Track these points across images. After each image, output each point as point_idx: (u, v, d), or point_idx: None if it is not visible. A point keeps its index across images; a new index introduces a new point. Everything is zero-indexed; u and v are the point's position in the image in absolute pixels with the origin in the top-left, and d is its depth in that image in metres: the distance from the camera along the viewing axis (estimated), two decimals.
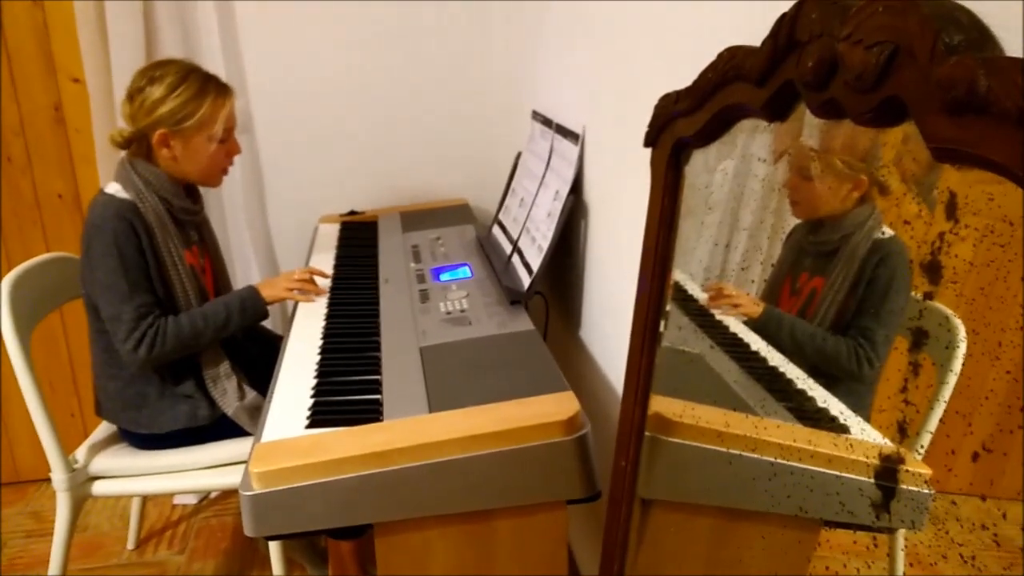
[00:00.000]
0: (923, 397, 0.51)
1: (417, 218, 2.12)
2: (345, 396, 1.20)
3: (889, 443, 0.63)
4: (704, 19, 0.98)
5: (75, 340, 2.26)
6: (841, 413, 0.79)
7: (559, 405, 1.09)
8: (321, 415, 1.14)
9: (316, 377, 1.28)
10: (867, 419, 0.75)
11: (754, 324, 0.93)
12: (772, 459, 0.88)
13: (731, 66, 0.74)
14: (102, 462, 1.60)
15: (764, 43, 0.67)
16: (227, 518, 2.19)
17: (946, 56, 0.46)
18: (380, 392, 1.20)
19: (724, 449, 0.96)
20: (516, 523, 1.09)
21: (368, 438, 1.05)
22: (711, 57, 0.91)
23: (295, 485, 1.01)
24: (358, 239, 2.02)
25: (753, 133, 0.77)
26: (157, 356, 1.49)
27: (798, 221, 0.86)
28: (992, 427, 0.48)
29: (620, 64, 1.28)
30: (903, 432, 0.52)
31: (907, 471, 0.64)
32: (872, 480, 0.67)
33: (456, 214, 2.13)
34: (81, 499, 1.59)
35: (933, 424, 0.58)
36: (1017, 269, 0.43)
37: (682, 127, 0.87)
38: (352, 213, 2.25)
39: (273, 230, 2.26)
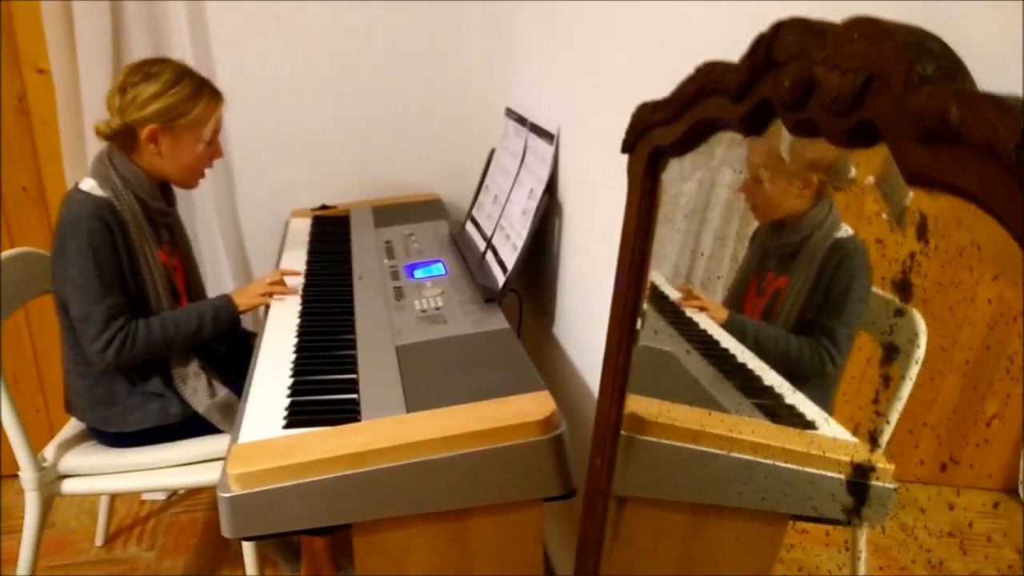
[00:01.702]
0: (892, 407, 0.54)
1: (389, 213, 2.12)
2: (322, 396, 1.21)
3: (855, 439, 0.66)
4: (679, 24, 1.00)
5: (40, 336, 2.22)
6: (807, 411, 0.82)
7: (535, 404, 1.11)
8: (298, 415, 1.15)
9: (292, 376, 1.28)
10: (830, 410, 0.78)
11: (723, 327, 0.95)
12: (744, 456, 0.91)
13: (709, 80, 0.75)
14: (71, 460, 1.59)
15: (742, 61, 0.69)
16: (197, 514, 2.18)
17: (920, 86, 0.48)
18: (357, 391, 1.21)
19: (698, 447, 0.98)
20: (493, 521, 1.11)
21: (347, 439, 1.06)
22: (685, 62, 0.92)
23: (274, 486, 1.02)
24: (330, 234, 2.01)
25: (730, 146, 0.79)
26: (125, 359, 1.49)
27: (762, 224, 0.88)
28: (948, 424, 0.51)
29: (595, 66, 1.29)
30: (875, 442, 0.55)
31: (869, 465, 0.67)
32: (840, 476, 0.70)
33: (428, 209, 2.14)
34: (50, 498, 1.57)
35: (893, 418, 0.61)
36: (984, 291, 0.46)
37: (659, 136, 0.89)
38: (324, 207, 2.24)
39: (243, 223, 2.25)
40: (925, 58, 0.50)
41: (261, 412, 1.17)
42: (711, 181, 0.91)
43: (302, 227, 2.10)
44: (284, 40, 2.08)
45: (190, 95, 1.50)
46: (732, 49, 0.76)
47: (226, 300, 1.60)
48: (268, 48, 2.08)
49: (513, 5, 1.93)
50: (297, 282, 1.68)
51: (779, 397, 0.90)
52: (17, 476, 1.55)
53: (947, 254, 0.49)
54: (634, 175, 0.96)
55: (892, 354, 0.53)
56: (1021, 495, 0.51)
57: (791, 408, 0.88)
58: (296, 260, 1.84)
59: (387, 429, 1.07)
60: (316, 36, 2.09)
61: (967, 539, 0.52)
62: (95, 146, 2.01)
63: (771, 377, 0.89)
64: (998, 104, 0.43)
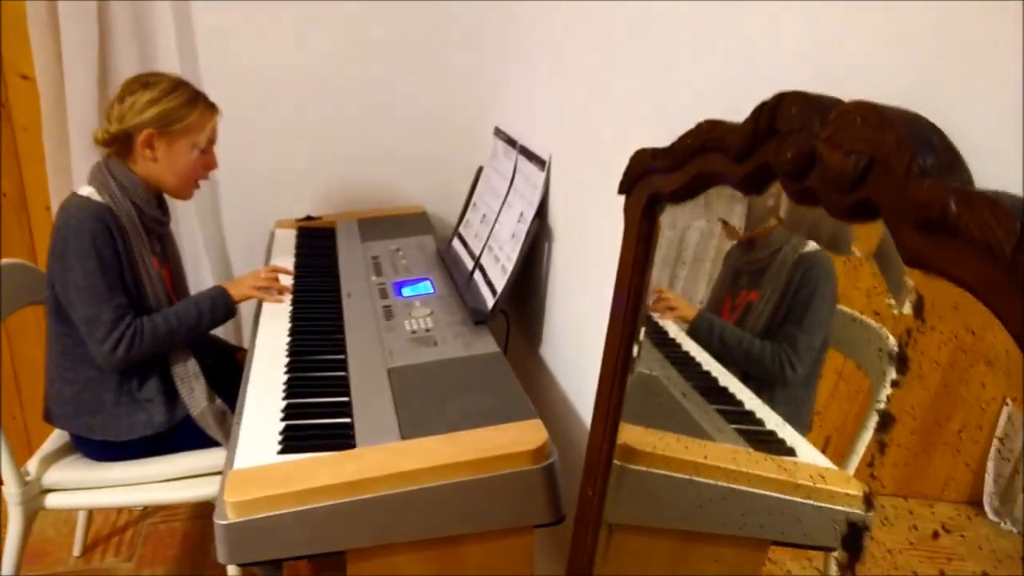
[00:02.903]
0: (889, 475, 0.57)
1: (375, 226, 2.13)
2: (315, 420, 1.22)
3: (834, 467, 0.70)
4: (671, 58, 1.03)
5: (19, 343, 2.20)
6: (786, 436, 0.86)
7: (527, 434, 1.13)
8: (293, 440, 1.16)
9: (284, 398, 1.29)
10: (808, 424, 0.81)
11: (689, 328, 0.99)
12: (727, 485, 0.94)
13: (711, 138, 0.78)
14: (56, 474, 1.58)
15: (744, 124, 0.72)
16: (175, 524, 2.17)
17: (920, 178, 0.52)
18: (351, 415, 1.22)
19: (685, 476, 1.02)
20: (484, 547, 1.13)
21: (342, 466, 1.07)
22: (679, 102, 0.96)
23: (270, 514, 1.03)
24: (316, 247, 2.02)
25: (731, 203, 0.82)
26: (134, 357, 1.51)
27: (734, 243, 0.92)
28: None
29: (589, 95, 1.32)
30: (869, 504, 0.58)
31: (846, 494, 0.71)
32: (818, 504, 0.74)
33: (414, 223, 2.15)
34: (34, 512, 1.57)
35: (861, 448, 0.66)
36: (977, 375, 0.49)
37: (658, 182, 0.92)
38: (309, 218, 2.24)
39: (227, 233, 2.24)
40: (926, 150, 0.53)
41: (255, 436, 1.18)
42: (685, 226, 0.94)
43: (287, 238, 2.11)
44: (270, 49, 2.08)
45: (186, 102, 1.55)
46: (726, 84, 0.79)
47: (221, 290, 1.64)
48: (254, 58, 2.08)
49: (500, 26, 1.95)
50: (288, 281, 1.71)
51: (760, 422, 0.94)
52: None
53: (943, 335, 0.52)
54: (631, 217, 0.98)
55: (888, 422, 0.56)
56: (986, 508, 0.54)
57: (771, 434, 0.92)
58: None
59: (382, 457, 1.09)
60: (303, 45, 2.09)
61: (933, 550, 0.56)
62: (79, 153, 2.01)
63: (752, 402, 0.92)
64: (995, 205, 0.46)
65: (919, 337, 0.54)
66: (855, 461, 0.68)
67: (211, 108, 1.61)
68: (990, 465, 0.52)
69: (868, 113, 0.57)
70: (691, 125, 0.94)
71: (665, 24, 1.03)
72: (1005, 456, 0.50)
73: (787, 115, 0.66)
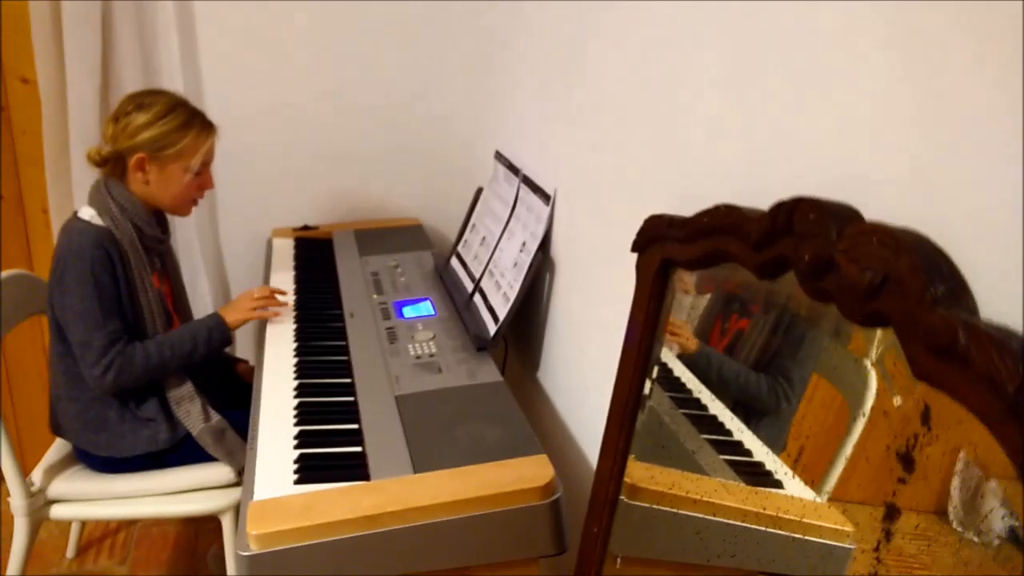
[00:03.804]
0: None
1: (372, 239, 2.17)
2: (328, 448, 1.27)
3: (819, 498, 0.77)
4: (688, 128, 1.08)
5: (13, 353, 2.22)
6: (775, 468, 0.92)
7: (535, 470, 1.19)
8: (308, 470, 1.21)
9: (296, 424, 1.34)
10: (784, 447, 0.88)
11: (689, 360, 1.05)
12: (722, 520, 1.01)
13: (729, 223, 0.84)
14: (60, 486, 1.61)
15: (762, 218, 0.78)
16: (168, 527, 2.21)
17: (932, 305, 0.58)
18: (362, 444, 1.27)
19: (685, 512, 1.08)
20: None
21: (360, 500, 1.13)
22: (691, 162, 1.01)
23: (291, 546, 1.08)
24: (315, 260, 2.05)
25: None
26: (124, 383, 1.53)
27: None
28: None
29: (601, 144, 1.37)
30: None
31: (832, 528, 0.78)
32: (803, 536, 0.81)
33: (411, 237, 2.20)
34: (39, 523, 1.60)
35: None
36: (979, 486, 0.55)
37: (672, 249, 0.97)
38: (306, 228, 2.27)
39: (223, 240, 2.27)
40: (937, 278, 0.59)
41: (271, 465, 1.22)
42: None
43: (285, 248, 2.14)
44: (272, 57, 2.11)
45: (179, 126, 1.55)
46: (740, 150, 0.85)
47: (217, 319, 1.64)
48: (256, 65, 2.11)
49: (503, 47, 1.99)
50: (286, 300, 1.74)
51: (748, 453, 1.00)
52: None
53: (947, 444, 0.59)
54: (644, 276, 1.04)
55: (895, 514, 0.63)
56: (951, 518, 0.60)
57: (759, 465, 0.98)
58: (283, 283, 1.89)
59: (398, 491, 1.14)
60: (303, 54, 2.12)
61: (901, 558, 0.63)
62: (80, 158, 2.02)
63: (741, 433, 0.99)
64: (1002, 344, 0.53)
65: (923, 443, 0.61)
66: (833, 477, 0.75)
67: (206, 130, 1.60)
68: (956, 480, 0.58)
69: (883, 236, 0.63)
70: (702, 186, 1.00)
71: (681, 87, 1.08)
72: (967, 476, 0.56)
73: (804, 219, 0.71)
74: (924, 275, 0.59)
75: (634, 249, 1.06)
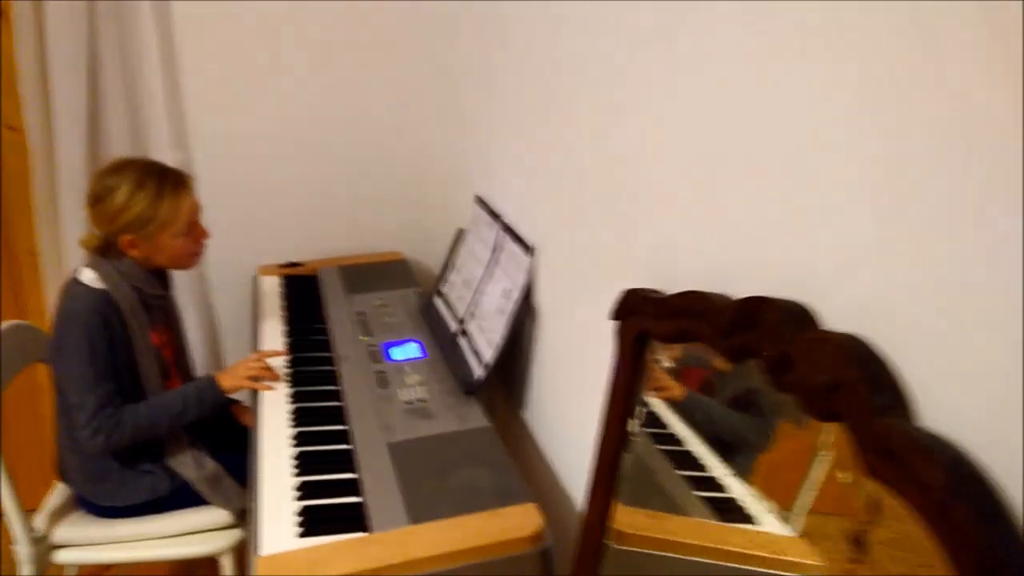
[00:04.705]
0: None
1: (357, 276, 2.25)
2: (329, 500, 1.35)
3: (791, 532, 0.86)
4: (656, 197, 1.17)
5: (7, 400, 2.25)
6: (748, 505, 1.01)
7: (524, 519, 1.28)
8: (311, 523, 1.29)
9: (296, 475, 1.41)
10: (750, 472, 0.96)
11: (677, 406, 1.14)
12: (703, 560, 1.09)
13: (698, 308, 0.93)
14: (64, 532, 1.67)
15: (727, 310, 0.87)
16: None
17: (876, 413, 0.67)
18: (361, 494, 1.35)
19: (665, 553, 1.17)
20: None
21: (361, 552, 1.21)
22: (664, 230, 1.10)
23: None
24: (303, 301, 2.12)
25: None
26: (114, 444, 1.58)
27: None
28: None
29: (578, 189, 1.45)
30: None
31: (801, 563, 0.87)
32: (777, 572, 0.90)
33: (395, 273, 2.27)
34: (44, 568, 1.65)
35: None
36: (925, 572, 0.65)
37: (647, 322, 1.06)
38: (291, 264, 2.34)
39: (209, 277, 2.32)
40: (880, 388, 0.68)
41: (275, 518, 1.30)
42: None
43: (272, 287, 2.21)
44: (254, 94, 2.18)
45: (152, 200, 1.55)
46: (719, 215, 0.94)
47: (211, 383, 1.68)
48: (238, 102, 2.18)
49: (484, 88, 2.07)
50: (280, 362, 1.79)
51: (722, 488, 1.09)
52: None
53: (896, 532, 0.68)
54: (623, 342, 1.13)
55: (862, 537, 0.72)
56: None
57: (731, 501, 1.08)
58: (273, 329, 1.96)
59: (397, 543, 1.23)
60: (284, 89, 2.19)
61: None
62: (68, 204, 2.07)
63: (716, 469, 1.07)
64: (929, 453, 0.62)
65: (872, 530, 0.70)
66: (800, 503, 0.84)
67: (179, 191, 1.59)
68: None
69: (834, 347, 0.72)
70: (680, 263, 1.09)
71: (653, 164, 1.17)
72: None
73: (765, 319, 0.81)
74: (868, 385, 0.68)
75: (613, 317, 1.15)
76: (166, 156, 2.07)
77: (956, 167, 0.65)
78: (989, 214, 0.62)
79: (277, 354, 1.81)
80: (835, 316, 0.79)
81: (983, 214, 0.63)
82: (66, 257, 2.12)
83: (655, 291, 1.08)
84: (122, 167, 1.58)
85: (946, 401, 0.67)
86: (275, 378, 1.73)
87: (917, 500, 0.63)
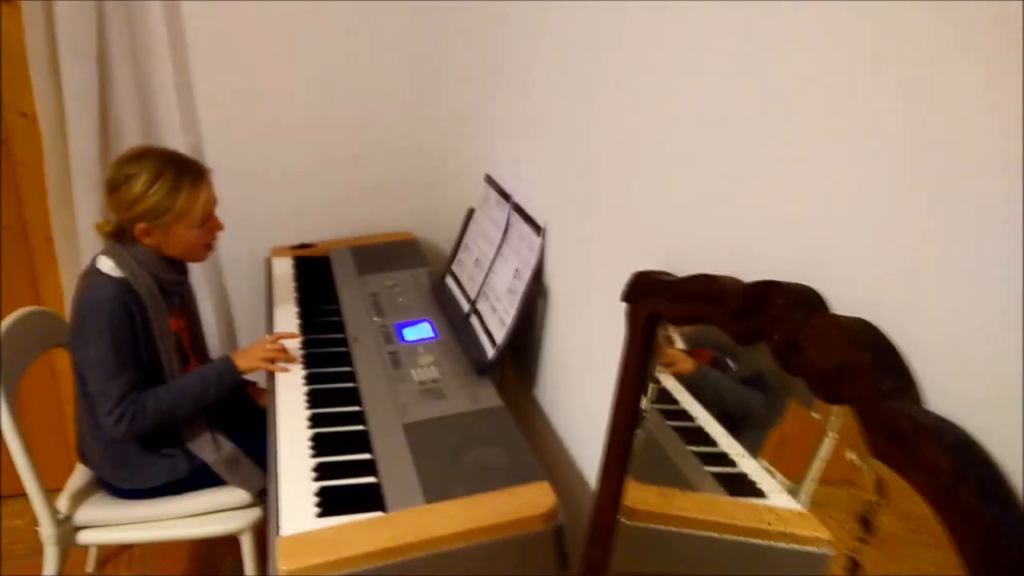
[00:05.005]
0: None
1: (369, 256, 2.26)
2: (345, 480, 1.37)
3: (799, 507, 0.87)
4: (669, 176, 1.17)
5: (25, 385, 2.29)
6: (758, 479, 1.02)
7: (538, 497, 1.30)
8: (329, 503, 1.31)
9: (313, 456, 1.44)
10: (760, 446, 0.98)
11: (687, 380, 1.15)
12: (713, 535, 1.11)
13: (709, 292, 0.94)
14: (87, 513, 1.71)
15: (738, 295, 0.88)
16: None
17: (883, 397, 0.68)
18: (377, 475, 1.38)
19: (679, 530, 1.19)
20: None
21: (380, 531, 1.24)
22: (678, 209, 1.11)
23: None
24: (315, 282, 2.14)
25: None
26: (137, 430, 1.61)
27: None
28: None
29: (593, 179, 1.45)
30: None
31: (813, 537, 0.89)
32: (787, 545, 0.92)
33: (407, 253, 2.28)
34: (68, 548, 1.69)
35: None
36: (930, 553, 0.66)
37: (658, 304, 1.07)
38: (303, 246, 2.35)
39: (222, 259, 2.34)
40: (887, 372, 0.69)
41: (293, 499, 1.33)
42: None
43: (285, 269, 2.22)
44: (264, 77, 2.18)
45: (169, 191, 1.57)
46: (729, 199, 0.94)
47: (228, 364, 1.71)
48: (248, 85, 2.18)
49: (493, 68, 2.07)
50: (294, 344, 1.81)
51: (733, 463, 1.11)
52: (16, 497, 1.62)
53: (900, 512, 0.69)
54: (634, 324, 1.14)
55: (857, 569, 0.74)
56: None
57: (743, 476, 1.09)
58: (287, 311, 1.98)
59: (414, 522, 1.25)
60: (293, 67, 2.19)
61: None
62: (81, 188, 2.08)
63: (727, 445, 1.08)
64: (939, 437, 0.63)
65: (879, 510, 0.71)
66: (810, 478, 0.86)
67: (198, 183, 1.61)
68: None
69: (841, 329, 0.73)
70: (690, 243, 1.10)
71: (672, 140, 1.18)
72: None
73: (775, 303, 0.82)
74: (876, 369, 0.69)
75: (624, 299, 1.16)
76: (177, 141, 2.08)
77: (964, 156, 0.65)
78: (992, 202, 0.62)
79: (292, 336, 1.83)
80: (844, 301, 0.80)
81: (987, 202, 0.63)
82: (81, 243, 2.14)
83: (666, 273, 1.09)
84: (142, 156, 1.60)
85: (953, 385, 0.68)
86: (290, 360, 1.75)
87: (923, 483, 0.64)
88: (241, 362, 1.72)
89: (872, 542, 0.72)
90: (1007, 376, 0.62)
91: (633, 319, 1.15)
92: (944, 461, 0.62)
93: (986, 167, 0.63)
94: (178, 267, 1.73)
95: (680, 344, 1.12)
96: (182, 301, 1.78)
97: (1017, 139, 0.59)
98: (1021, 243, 0.60)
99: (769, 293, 0.83)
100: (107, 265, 1.59)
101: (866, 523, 0.73)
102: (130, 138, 2.07)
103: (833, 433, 0.80)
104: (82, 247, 2.14)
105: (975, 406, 0.65)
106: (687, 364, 1.13)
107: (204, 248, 1.70)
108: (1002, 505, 0.60)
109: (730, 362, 1.04)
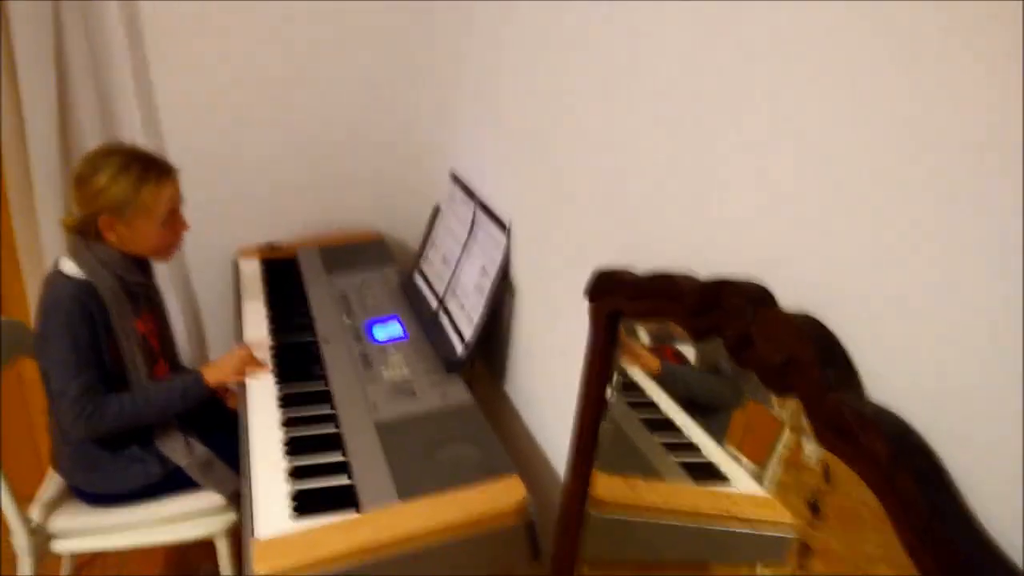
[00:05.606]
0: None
1: (337, 256, 2.27)
2: (319, 482, 1.39)
3: (764, 492, 0.91)
4: (629, 177, 1.20)
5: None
6: (724, 466, 1.06)
7: (508, 492, 1.34)
8: (303, 504, 1.33)
9: (286, 457, 1.45)
10: (726, 431, 1.01)
11: (655, 378, 1.19)
12: (680, 524, 1.15)
13: (669, 290, 0.97)
14: (60, 522, 1.70)
15: (696, 292, 0.91)
16: None
17: (827, 389, 0.72)
18: (350, 475, 1.40)
19: (641, 519, 1.23)
20: None
21: (355, 531, 1.26)
22: (637, 202, 1.14)
23: None
24: (284, 283, 2.14)
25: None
26: (95, 430, 1.61)
27: None
28: None
29: (550, 167, 1.48)
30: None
31: (775, 522, 0.93)
32: (751, 531, 0.95)
33: (374, 253, 2.30)
34: (42, 558, 1.69)
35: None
36: (875, 536, 0.70)
37: (620, 302, 1.10)
38: (271, 247, 2.35)
39: (189, 260, 2.33)
40: (831, 364, 0.73)
41: (268, 501, 1.34)
42: None
43: (252, 271, 2.22)
44: (224, 72, 2.17)
45: (134, 182, 1.57)
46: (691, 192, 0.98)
47: (197, 378, 1.70)
48: (210, 82, 2.17)
49: (455, 61, 2.08)
50: (265, 345, 1.82)
51: (698, 450, 1.15)
52: None
53: (847, 497, 0.73)
54: (597, 319, 1.17)
55: (807, 552, 0.77)
56: None
57: (709, 465, 1.13)
58: (256, 314, 1.98)
59: (387, 521, 1.28)
60: (259, 68, 2.18)
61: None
62: (43, 194, 2.07)
63: (693, 433, 1.12)
64: (877, 426, 0.67)
65: (826, 496, 0.75)
66: (773, 463, 0.89)
67: (164, 179, 1.62)
68: None
69: (788, 325, 0.77)
70: (649, 240, 1.13)
71: (629, 142, 1.20)
72: None
73: (729, 301, 0.85)
74: (820, 362, 0.73)
75: (587, 296, 1.19)
76: (139, 143, 2.06)
77: (898, 155, 0.69)
78: (931, 199, 0.66)
79: (261, 345, 1.83)
80: (793, 297, 0.83)
81: (923, 199, 0.67)
82: (44, 251, 2.12)
83: (626, 271, 1.12)
84: (111, 151, 1.61)
85: (894, 375, 0.72)
86: (263, 369, 1.75)
87: (865, 470, 0.68)
88: (211, 376, 1.71)
89: (821, 528, 0.76)
90: (945, 364, 0.66)
91: (596, 316, 1.18)
92: (883, 450, 0.66)
93: (919, 164, 0.67)
94: (142, 267, 1.72)
95: (645, 339, 1.15)
96: (150, 303, 1.77)
97: (945, 133, 0.63)
98: (959, 239, 0.63)
99: (723, 291, 0.86)
100: (68, 267, 1.59)
101: (815, 509, 0.77)
102: (91, 142, 2.05)
103: (787, 429, 0.83)
104: (45, 254, 2.13)
105: (915, 395, 0.69)
106: (653, 364, 1.17)
107: (169, 248, 1.70)
108: (939, 490, 0.64)
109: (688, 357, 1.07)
